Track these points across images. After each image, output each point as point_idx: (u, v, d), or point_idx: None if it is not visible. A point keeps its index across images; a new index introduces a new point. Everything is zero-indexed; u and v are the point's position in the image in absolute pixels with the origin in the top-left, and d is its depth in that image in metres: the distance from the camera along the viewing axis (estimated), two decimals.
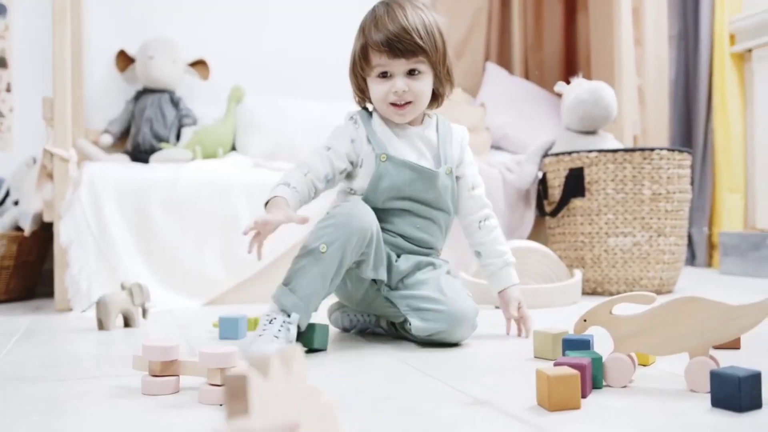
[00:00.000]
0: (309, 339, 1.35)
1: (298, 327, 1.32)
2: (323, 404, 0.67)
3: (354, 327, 1.61)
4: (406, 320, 1.41)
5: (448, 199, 1.47)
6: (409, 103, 1.41)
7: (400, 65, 1.38)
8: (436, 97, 1.49)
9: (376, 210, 1.39)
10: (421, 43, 1.36)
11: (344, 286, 1.45)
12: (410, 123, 1.48)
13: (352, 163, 1.45)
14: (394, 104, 1.41)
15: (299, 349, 0.64)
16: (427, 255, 1.47)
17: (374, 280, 1.43)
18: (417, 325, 1.36)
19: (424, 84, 1.41)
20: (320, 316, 1.55)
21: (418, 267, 1.44)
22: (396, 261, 1.43)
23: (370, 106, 1.51)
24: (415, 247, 1.46)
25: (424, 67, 1.40)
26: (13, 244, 2.30)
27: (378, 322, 1.57)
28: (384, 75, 1.40)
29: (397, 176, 1.41)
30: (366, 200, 1.41)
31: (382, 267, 1.40)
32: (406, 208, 1.44)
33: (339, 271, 1.32)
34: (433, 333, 1.35)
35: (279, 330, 1.27)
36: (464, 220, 1.54)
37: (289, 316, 1.30)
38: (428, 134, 1.48)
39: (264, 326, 1.29)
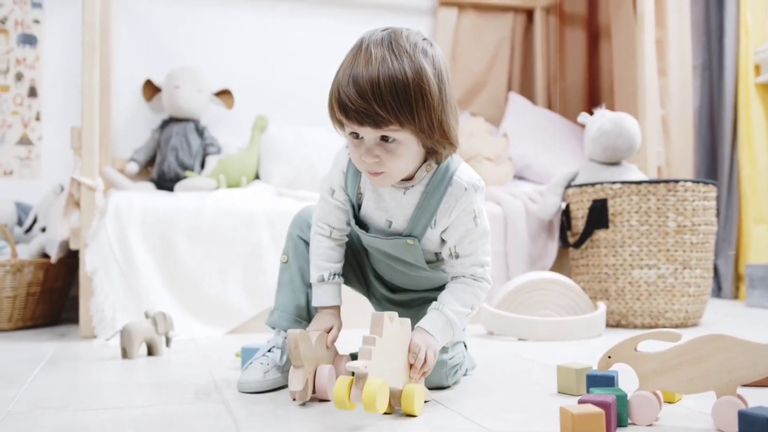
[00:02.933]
0: None
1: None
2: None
3: None
4: None
5: (414, 260, 1.30)
6: (384, 173, 1.17)
7: (368, 133, 1.13)
8: (435, 156, 1.21)
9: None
10: (383, 114, 1.09)
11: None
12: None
13: None
14: (369, 172, 1.18)
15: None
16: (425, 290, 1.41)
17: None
18: None
19: (401, 155, 1.15)
20: None
21: (410, 305, 1.41)
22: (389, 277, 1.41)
23: None
24: (401, 285, 1.42)
25: (400, 135, 1.13)
26: (39, 270, 2.33)
27: None
28: (356, 135, 1.16)
29: (357, 235, 1.36)
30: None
31: (354, 281, 1.44)
32: (378, 257, 1.38)
33: (306, 270, 1.38)
34: None
35: (265, 356, 1.34)
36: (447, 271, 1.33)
37: (282, 333, 1.38)
38: (410, 197, 1.24)
39: (263, 354, 1.35)
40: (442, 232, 1.26)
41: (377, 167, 1.15)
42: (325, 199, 1.33)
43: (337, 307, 1.34)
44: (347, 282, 1.43)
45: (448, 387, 1.30)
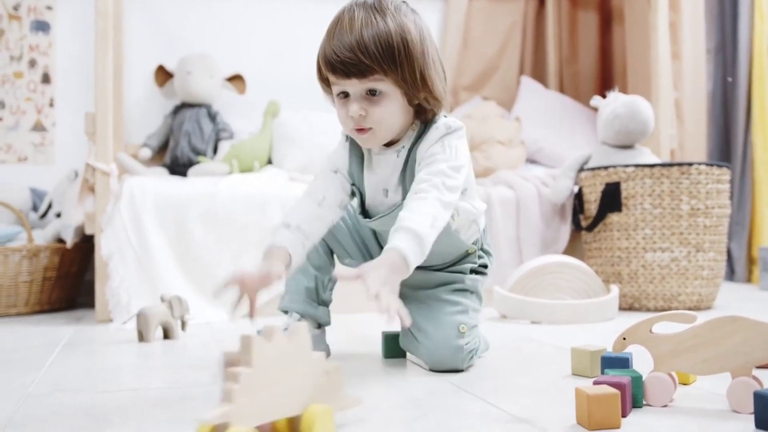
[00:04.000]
0: (384, 349, 1.45)
1: (319, 324, 1.42)
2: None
3: None
4: None
5: None
6: (371, 129, 1.21)
7: (354, 86, 1.19)
8: (425, 113, 1.26)
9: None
10: (367, 62, 1.15)
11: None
12: (387, 144, 1.29)
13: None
14: (356, 130, 1.23)
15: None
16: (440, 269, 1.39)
17: None
18: (402, 342, 1.37)
19: (386, 107, 1.20)
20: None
21: (421, 286, 1.38)
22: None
23: None
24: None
25: (384, 87, 1.19)
26: (55, 255, 2.35)
27: None
28: (345, 95, 1.22)
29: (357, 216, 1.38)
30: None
31: (359, 259, 1.42)
32: (380, 233, 1.39)
33: (309, 256, 1.37)
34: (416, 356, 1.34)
35: None
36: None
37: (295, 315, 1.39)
38: (398, 159, 1.28)
39: None
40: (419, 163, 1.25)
41: (363, 122, 1.20)
42: (326, 172, 1.34)
43: (286, 258, 1.22)
44: (350, 263, 1.43)
45: (462, 370, 1.31)
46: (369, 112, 1.19)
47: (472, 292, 1.38)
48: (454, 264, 1.38)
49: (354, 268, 1.06)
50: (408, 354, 1.45)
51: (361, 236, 1.44)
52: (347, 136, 1.34)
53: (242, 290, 1.16)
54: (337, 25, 1.20)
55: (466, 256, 1.38)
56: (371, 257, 1.39)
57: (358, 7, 1.20)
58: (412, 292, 1.40)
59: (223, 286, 1.15)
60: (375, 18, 1.17)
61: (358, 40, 1.15)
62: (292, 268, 1.26)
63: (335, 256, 1.46)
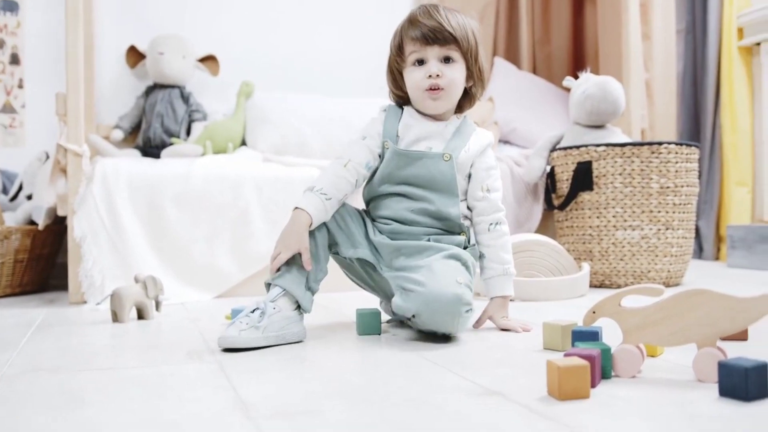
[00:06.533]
0: (358, 326, 1.49)
1: (298, 305, 1.42)
2: None
3: (394, 317, 1.62)
4: None
5: (445, 185, 1.47)
6: (443, 90, 1.45)
7: (433, 51, 1.44)
8: (468, 98, 1.54)
9: (374, 197, 1.50)
10: (452, 32, 1.43)
11: (356, 271, 1.55)
12: (435, 118, 1.51)
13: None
14: (429, 90, 1.45)
15: None
16: (437, 239, 1.47)
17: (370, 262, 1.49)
18: (396, 302, 1.37)
19: (457, 72, 1.46)
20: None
21: (417, 250, 1.43)
22: (390, 240, 1.46)
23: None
24: (414, 229, 1.46)
25: (457, 56, 1.45)
26: (27, 237, 2.33)
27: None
28: (419, 63, 1.46)
29: (390, 161, 1.47)
30: (369, 186, 1.52)
31: (361, 247, 1.47)
32: (401, 192, 1.47)
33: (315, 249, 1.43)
34: (412, 314, 1.34)
35: (247, 316, 1.34)
36: (475, 219, 1.54)
37: (273, 301, 1.37)
38: (446, 130, 1.51)
39: (245, 315, 1.36)
40: (471, 166, 1.51)
41: (439, 81, 1.44)
42: (353, 141, 1.52)
43: (307, 219, 1.40)
44: (354, 253, 1.48)
45: (453, 335, 1.40)
46: (444, 73, 1.44)
47: (464, 264, 1.43)
48: (445, 233, 1.50)
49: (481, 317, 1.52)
50: (386, 327, 1.54)
51: (366, 228, 1.51)
52: (384, 109, 1.54)
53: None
54: (410, 19, 1.47)
55: (459, 233, 1.51)
56: (376, 249, 1.49)
57: (427, 6, 1.47)
58: (407, 261, 1.43)
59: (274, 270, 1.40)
60: (448, 11, 1.47)
61: (443, 18, 1.44)
62: (313, 227, 1.42)
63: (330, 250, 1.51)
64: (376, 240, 1.47)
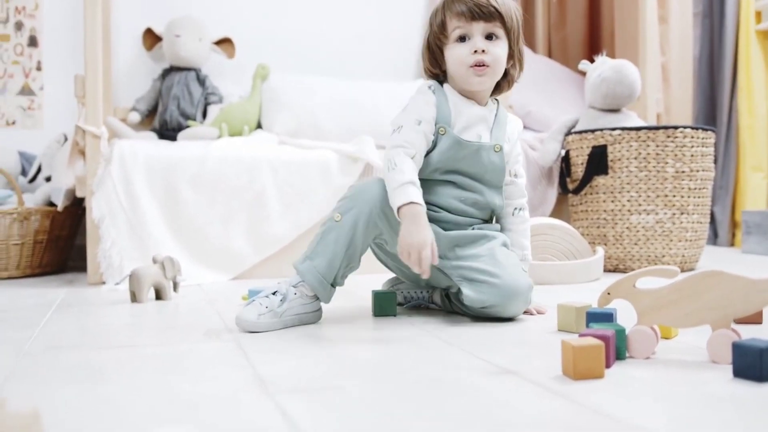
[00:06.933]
0: (374, 307, 1.51)
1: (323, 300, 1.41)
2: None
3: (408, 302, 1.62)
4: (460, 291, 1.42)
5: (495, 176, 1.48)
6: (488, 66, 1.42)
7: (478, 27, 1.41)
8: (507, 80, 1.51)
9: (423, 181, 1.39)
10: (497, 7, 1.40)
11: (398, 260, 1.48)
12: (477, 101, 1.48)
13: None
14: (474, 66, 1.41)
15: None
16: (480, 227, 1.48)
17: None
18: (470, 295, 1.38)
19: (501, 50, 1.43)
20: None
21: (472, 240, 1.43)
22: (444, 231, 1.44)
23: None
24: (461, 219, 1.46)
25: (501, 33, 1.43)
26: (46, 219, 2.36)
27: (431, 298, 1.60)
28: (462, 39, 1.43)
29: (447, 150, 1.44)
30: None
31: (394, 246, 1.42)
32: (452, 180, 1.46)
33: (353, 238, 1.37)
34: (486, 306, 1.37)
35: (267, 297, 1.35)
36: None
37: (295, 287, 1.37)
38: (489, 115, 1.49)
39: (265, 296, 1.36)
40: (507, 153, 1.51)
41: (485, 57, 1.41)
42: (411, 127, 1.42)
43: (424, 213, 1.32)
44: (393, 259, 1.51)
45: (515, 317, 1.43)
46: (488, 50, 1.41)
47: (511, 251, 1.49)
48: (485, 222, 1.52)
49: None
50: (402, 309, 1.55)
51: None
52: (430, 87, 1.48)
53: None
54: None
55: (491, 218, 1.54)
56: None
57: None
58: (462, 251, 1.44)
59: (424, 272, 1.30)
60: None
61: None
62: None
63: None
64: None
